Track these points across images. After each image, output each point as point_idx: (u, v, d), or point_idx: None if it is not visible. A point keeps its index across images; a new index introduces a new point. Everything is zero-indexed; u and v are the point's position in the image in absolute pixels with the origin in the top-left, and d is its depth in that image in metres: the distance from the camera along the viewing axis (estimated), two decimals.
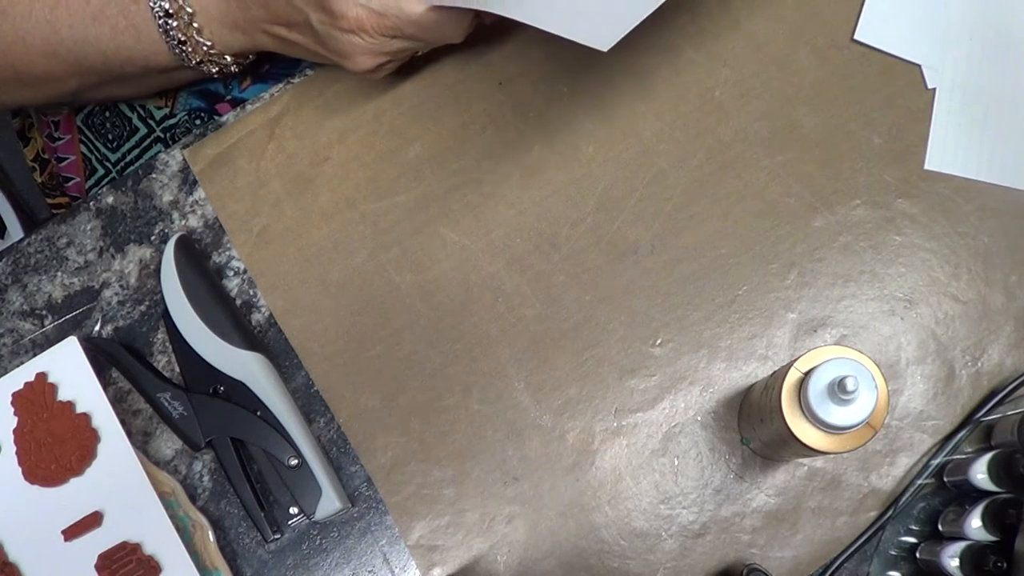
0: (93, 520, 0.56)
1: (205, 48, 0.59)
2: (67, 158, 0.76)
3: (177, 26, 0.58)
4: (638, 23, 0.45)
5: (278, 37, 0.58)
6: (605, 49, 0.44)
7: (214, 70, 0.61)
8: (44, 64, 0.59)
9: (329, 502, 0.56)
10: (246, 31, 0.58)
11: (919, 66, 0.63)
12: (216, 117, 0.66)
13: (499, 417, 0.59)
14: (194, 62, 0.60)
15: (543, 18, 0.47)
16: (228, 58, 0.61)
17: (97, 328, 0.61)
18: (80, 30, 0.58)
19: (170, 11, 0.57)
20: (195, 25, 0.58)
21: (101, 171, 0.75)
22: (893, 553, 0.56)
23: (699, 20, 0.64)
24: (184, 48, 0.59)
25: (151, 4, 0.57)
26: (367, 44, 0.54)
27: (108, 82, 0.63)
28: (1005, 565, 0.49)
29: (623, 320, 0.60)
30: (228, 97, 0.70)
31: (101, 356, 0.60)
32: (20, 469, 0.56)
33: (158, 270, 0.60)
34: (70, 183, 0.77)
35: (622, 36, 0.44)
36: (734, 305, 0.60)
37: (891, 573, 0.56)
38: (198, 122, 0.71)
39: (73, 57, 0.59)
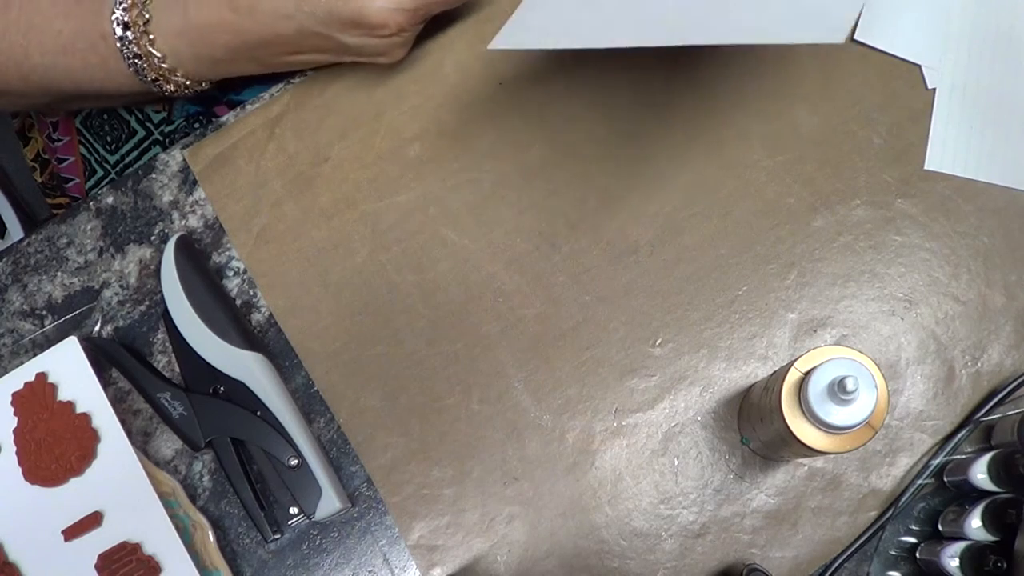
0: (93, 520, 0.56)
1: (179, 81, 0.59)
2: (67, 159, 0.76)
3: (148, 66, 0.58)
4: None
5: (289, 63, 0.58)
6: (842, 40, 0.39)
7: (188, 94, 0.61)
8: (18, 84, 0.59)
9: (329, 502, 0.56)
10: (228, 65, 0.59)
11: (919, 66, 0.63)
12: (215, 119, 0.66)
13: (499, 417, 0.59)
14: (167, 92, 0.60)
15: (756, 32, 0.42)
16: (204, 84, 0.61)
17: (97, 328, 0.61)
18: (51, 59, 0.58)
19: (139, 54, 0.57)
20: (165, 66, 0.58)
21: (100, 172, 0.75)
22: (893, 553, 0.56)
23: None
24: (157, 83, 0.59)
25: (119, 47, 0.57)
26: (404, 39, 0.57)
27: (85, 100, 0.63)
28: (1005, 565, 0.49)
29: (623, 320, 0.60)
30: (225, 100, 0.70)
31: (101, 356, 0.60)
32: (20, 469, 0.56)
33: (158, 270, 0.60)
34: (70, 184, 0.77)
35: (854, 21, 0.39)
36: (734, 305, 0.60)
37: (891, 573, 0.56)
38: (196, 126, 0.71)
39: (44, 82, 0.59)
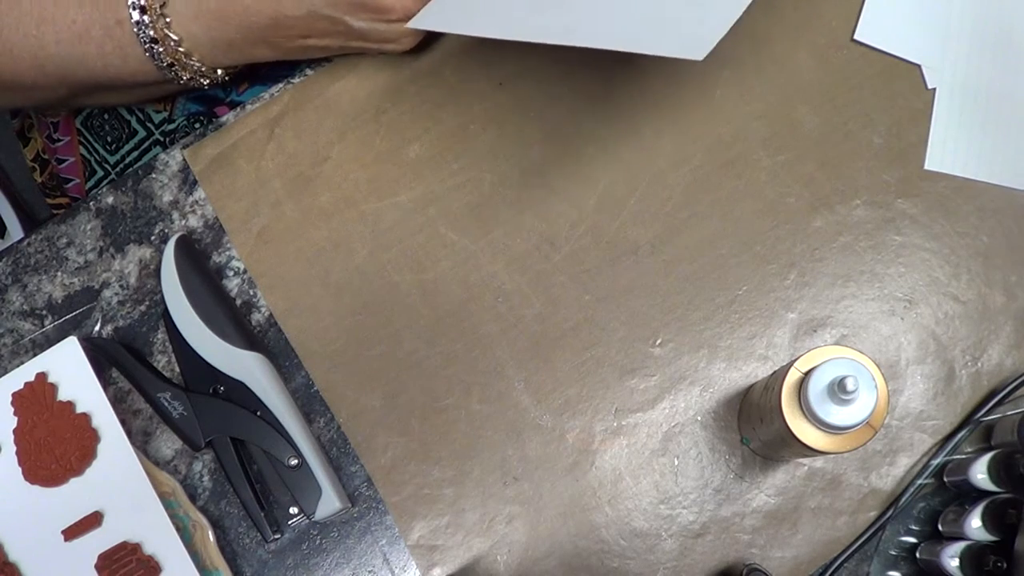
0: (93, 520, 0.56)
1: (195, 67, 0.59)
2: (67, 159, 0.76)
3: (164, 51, 0.57)
4: (730, 26, 0.43)
5: (302, 47, 0.58)
6: (701, 58, 0.42)
7: (204, 82, 0.61)
8: (33, 75, 0.59)
9: (329, 502, 0.56)
10: (243, 49, 0.58)
11: (919, 66, 0.63)
12: (215, 119, 0.66)
13: (499, 417, 0.59)
14: (184, 79, 0.60)
15: (620, 40, 0.45)
16: (219, 72, 0.61)
17: (97, 328, 0.61)
18: (66, 47, 0.58)
19: (155, 38, 0.57)
20: (182, 50, 0.58)
21: (100, 173, 0.75)
22: (893, 553, 0.56)
23: None
24: (173, 68, 0.59)
25: (136, 31, 0.57)
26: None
27: (99, 91, 0.63)
28: (1005, 565, 0.49)
29: (623, 320, 0.60)
30: (227, 100, 0.70)
31: (101, 356, 0.60)
32: (20, 469, 0.56)
33: (158, 270, 0.60)
34: (70, 184, 0.77)
35: (717, 41, 0.42)
36: (734, 305, 0.60)
37: (891, 573, 0.56)
38: (197, 126, 0.70)
39: (61, 72, 0.59)
